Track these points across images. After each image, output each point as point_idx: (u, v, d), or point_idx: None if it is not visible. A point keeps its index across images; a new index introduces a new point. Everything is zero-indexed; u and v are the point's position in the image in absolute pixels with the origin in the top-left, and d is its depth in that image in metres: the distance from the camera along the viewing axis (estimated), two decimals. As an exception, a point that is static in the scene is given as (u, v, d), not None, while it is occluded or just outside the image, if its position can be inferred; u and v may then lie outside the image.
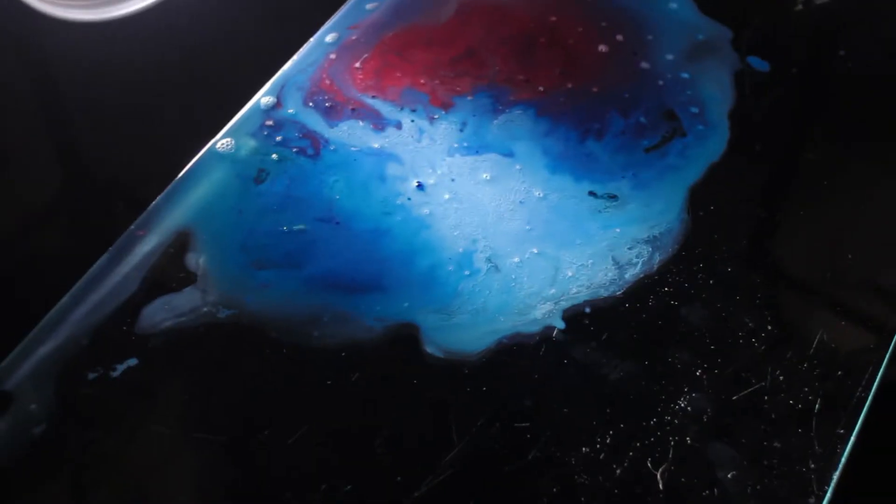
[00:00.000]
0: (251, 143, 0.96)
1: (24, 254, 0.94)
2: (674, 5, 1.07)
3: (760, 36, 1.05)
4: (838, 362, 0.82)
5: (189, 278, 0.88)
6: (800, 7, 1.11)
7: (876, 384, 0.81)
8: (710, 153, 0.95)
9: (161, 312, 0.86)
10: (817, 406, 0.79)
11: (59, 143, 0.97)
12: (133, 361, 0.83)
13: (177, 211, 0.92)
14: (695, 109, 0.98)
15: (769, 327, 0.84)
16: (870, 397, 0.80)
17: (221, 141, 0.96)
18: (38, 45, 0.90)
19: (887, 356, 0.82)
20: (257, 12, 1.05)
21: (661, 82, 1.00)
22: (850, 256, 0.89)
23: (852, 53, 1.04)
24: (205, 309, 0.86)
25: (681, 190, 0.92)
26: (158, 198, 0.93)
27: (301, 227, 0.91)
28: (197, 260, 0.89)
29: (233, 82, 1.01)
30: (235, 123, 0.98)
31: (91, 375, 0.82)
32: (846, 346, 0.83)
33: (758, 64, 1.02)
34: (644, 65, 1.02)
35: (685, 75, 1.01)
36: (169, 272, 0.88)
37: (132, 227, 0.91)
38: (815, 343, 0.83)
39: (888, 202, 0.94)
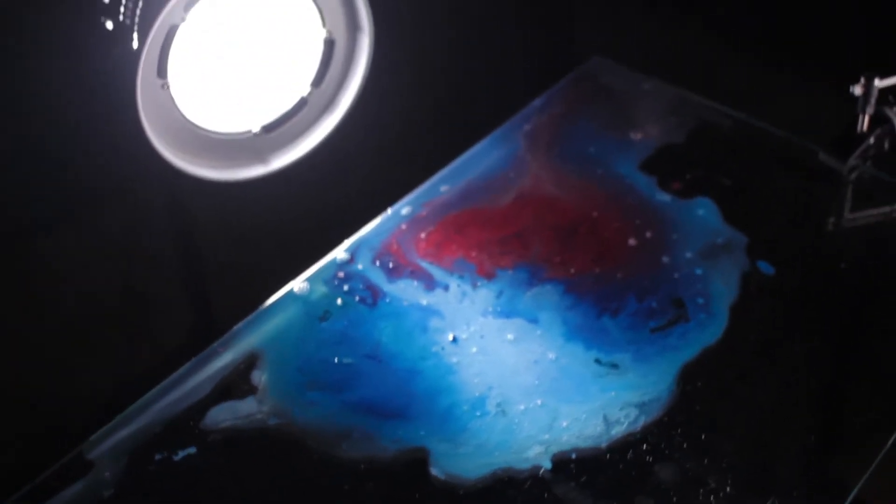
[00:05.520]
0: (323, 288, 1.16)
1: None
2: (701, 212, 1.24)
3: (772, 245, 1.20)
4: (783, 524, 0.94)
5: (251, 390, 1.06)
6: (831, 228, 1.26)
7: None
8: (706, 338, 1.10)
9: (223, 414, 1.04)
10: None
11: (188, 289, 1.18)
12: (192, 450, 1.01)
13: (252, 336, 1.12)
14: (701, 300, 1.13)
15: (728, 489, 0.96)
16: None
17: (299, 285, 1.17)
18: (177, 202, 1.10)
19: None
20: (346, 183, 1.25)
21: (676, 275, 1.16)
22: (812, 438, 1.01)
23: (853, 268, 1.18)
24: (258, 416, 1.04)
25: (675, 366, 1.07)
26: (240, 324, 1.13)
27: (349, 360, 1.09)
28: (260, 376, 1.08)
29: (318, 239, 1.21)
30: (314, 272, 1.18)
31: (157, 456, 1.01)
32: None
33: (765, 268, 1.17)
34: (665, 259, 1.18)
35: (699, 271, 1.17)
36: (237, 383, 1.07)
37: (214, 344, 1.11)
38: (765, 505, 0.95)
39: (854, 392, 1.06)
